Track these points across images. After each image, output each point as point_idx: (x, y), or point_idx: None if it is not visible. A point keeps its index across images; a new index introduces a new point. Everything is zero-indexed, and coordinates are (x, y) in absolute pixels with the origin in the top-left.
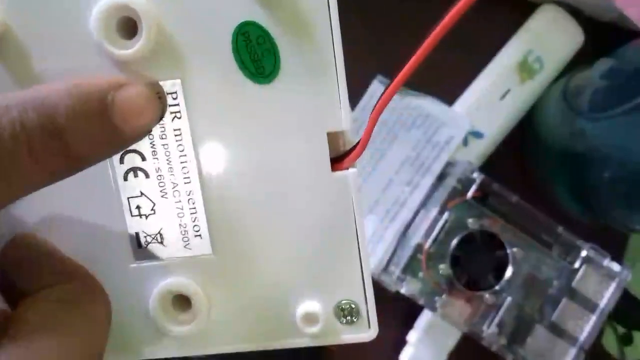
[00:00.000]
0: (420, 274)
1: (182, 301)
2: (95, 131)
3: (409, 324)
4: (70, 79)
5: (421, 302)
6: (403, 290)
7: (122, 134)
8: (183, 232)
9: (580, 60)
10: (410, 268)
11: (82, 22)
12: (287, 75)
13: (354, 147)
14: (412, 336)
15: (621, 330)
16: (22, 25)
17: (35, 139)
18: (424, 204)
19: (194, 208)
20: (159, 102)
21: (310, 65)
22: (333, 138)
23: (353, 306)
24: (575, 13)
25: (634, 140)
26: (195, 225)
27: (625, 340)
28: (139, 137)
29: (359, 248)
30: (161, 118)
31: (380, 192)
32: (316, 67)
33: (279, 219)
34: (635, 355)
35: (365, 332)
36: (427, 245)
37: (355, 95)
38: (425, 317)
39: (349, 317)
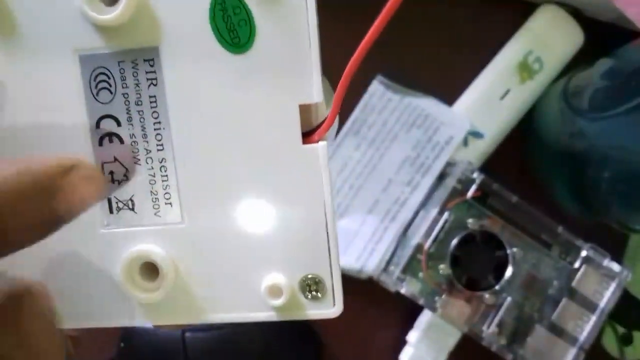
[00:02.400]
0: (420, 274)
1: (149, 270)
2: (36, 217)
3: (409, 324)
4: (20, 160)
5: (421, 302)
6: (403, 291)
7: (60, 219)
8: (154, 200)
9: (580, 60)
10: (410, 268)
11: None
12: (261, 46)
13: (325, 120)
14: (412, 336)
15: (621, 330)
16: None
17: None
18: (424, 204)
19: (166, 176)
20: (103, 182)
21: (284, 37)
22: (305, 111)
23: (318, 281)
24: (575, 13)
25: (634, 140)
26: (166, 193)
27: (625, 340)
28: (74, 219)
29: (326, 222)
30: (104, 197)
31: (380, 192)
32: (290, 39)
33: (249, 190)
34: (635, 355)
35: (330, 308)
36: (427, 245)
37: (355, 95)
38: (425, 317)
39: (313, 292)
